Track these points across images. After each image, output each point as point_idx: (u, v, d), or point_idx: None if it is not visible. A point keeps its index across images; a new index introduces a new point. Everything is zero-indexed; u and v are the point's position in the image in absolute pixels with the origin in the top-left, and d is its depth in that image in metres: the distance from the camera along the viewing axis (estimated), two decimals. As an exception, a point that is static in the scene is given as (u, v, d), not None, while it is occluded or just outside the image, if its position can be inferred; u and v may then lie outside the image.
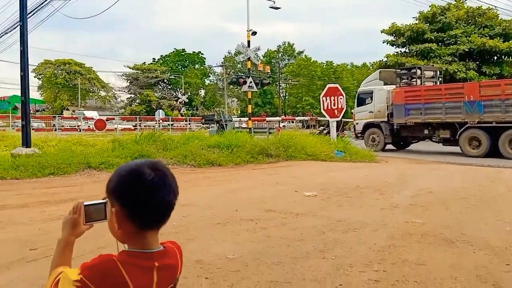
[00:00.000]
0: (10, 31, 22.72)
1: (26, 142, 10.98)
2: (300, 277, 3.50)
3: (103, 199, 1.23)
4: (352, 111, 22.33)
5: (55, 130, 28.57)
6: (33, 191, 7.49)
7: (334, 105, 16.68)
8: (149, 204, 1.13)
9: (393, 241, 4.43)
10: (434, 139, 17.83)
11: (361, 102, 20.08)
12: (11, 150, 11.34)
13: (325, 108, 16.71)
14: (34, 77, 58.38)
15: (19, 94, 11.93)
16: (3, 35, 23.49)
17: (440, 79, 20.35)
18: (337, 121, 23.44)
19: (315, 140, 14.81)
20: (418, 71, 19.10)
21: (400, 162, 14.12)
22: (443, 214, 5.67)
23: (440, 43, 32.96)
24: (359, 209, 6.00)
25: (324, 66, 70.13)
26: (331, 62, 71.30)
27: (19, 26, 11.70)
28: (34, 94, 59.07)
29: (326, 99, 16.74)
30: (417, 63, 28.50)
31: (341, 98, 16.70)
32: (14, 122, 27.73)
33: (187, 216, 5.45)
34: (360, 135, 19.95)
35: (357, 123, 20.28)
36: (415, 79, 18.88)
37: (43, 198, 6.86)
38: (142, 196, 1.12)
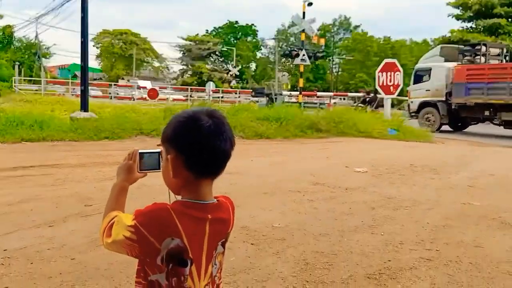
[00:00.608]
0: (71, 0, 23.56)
1: (85, 106, 11.45)
2: (347, 250, 3.42)
3: (158, 149, 1.21)
4: (407, 88, 21.42)
5: (111, 98, 29.70)
6: (89, 152, 7.83)
7: (390, 81, 16.05)
8: (205, 150, 1.10)
9: (448, 221, 4.22)
10: (495, 122, 16.76)
11: (418, 79, 19.13)
12: (70, 113, 11.89)
13: (380, 84, 16.12)
14: (93, 46, 60.58)
15: (79, 63, 12.37)
16: (65, 3, 24.42)
17: (507, 57, 18.96)
18: (371, 97, 22.69)
19: (367, 116, 14.37)
20: (483, 48, 17.87)
21: (457, 143, 13.45)
22: (504, 198, 5.33)
23: (510, 19, 30.64)
24: (412, 187, 5.77)
25: (381, 42, 67.40)
26: (389, 37, 68.33)
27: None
28: (92, 63, 61.49)
29: (382, 75, 16.14)
30: (483, 39, 26.71)
31: (397, 74, 16.03)
32: (73, 89, 29.05)
33: (234, 184, 5.47)
34: (414, 114, 19.11)
35: (411, 102, 19.41)
36: (479, 57, 17.69)
37: (99, 159, 7.14)
38: (198, 142, 1.10)
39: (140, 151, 1.25)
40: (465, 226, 4.09)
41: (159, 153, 1.21)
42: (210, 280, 1.16)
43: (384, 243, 3.60)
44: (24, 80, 32.88)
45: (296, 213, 4.40)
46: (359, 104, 22.46)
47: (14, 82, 29.28)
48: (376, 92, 24.17)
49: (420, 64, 19.83)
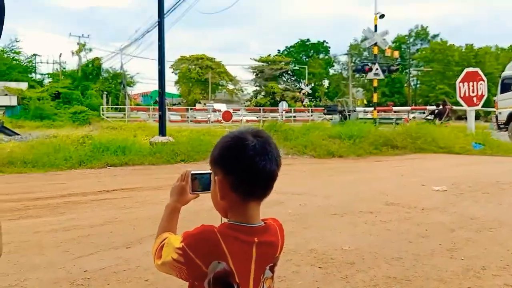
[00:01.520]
0: (151, 30, 25.29)
1: (162, 131, 12.12)
2: (422, 276, 3.21)
3: (209, 170, 1.23)
4: (495, 98, 19.90)
5: (188, 121, 31.09)
6: (166, 175, 8.21)
7: (473, 92, 15.08)
8: (251, 171, 1.10)
9: (539, 244, 3.80)
10: None
11: (506, 88, 17.68)
12: (150, 138, 12.62)
13: (462, 95, 15.19)
14: (172, 72, 64.27)
15: (159, 89, 13.14)
16: (145, 34, 26.25)
17: None
18: (440, 109, 21.28)
19: (448, 131, 13.55)
20: None
21: (554, 156, 12.15)
22: None
23: None
24: (498, 206, 5.29)
25: (463, 50, 63.63)
26: (471, 45, 64.32)
27: (157, 23, 12.90)
28: (171, 88, 65.13)
29: (464, 85, 15.23)
30: None
31: (481, 83, 15.03)
32: (154, 114, 30.89)
33: (304, 205, 5.42)
34: (503, 126, 17.63)
35: (500, 113, 17.95)
36: None
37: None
38: (244, 163, 1.10)
39: (192, 172, 1.28)
40: (561, 250, 3.66)
41: (210, 174, 1.22)
42: None
43: (465, 268, 3.33)
44: (111, 108, 35.64)
45: (367, 235, 4.23)
46: (427, 117, 21.30)
47: (102, 110, 31.82)
48: (444, 103, 22.79)
49: (508, 72, 18.34)
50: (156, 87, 13.04)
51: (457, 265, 3.40)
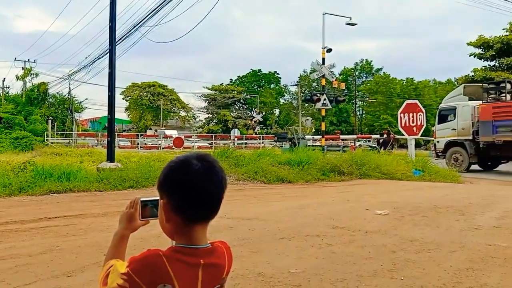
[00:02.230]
0: (102, 57, 24.92)
1: (111, 157, 11.81)
2: (364, 296, 3.32)
3: (158, 197, 1.24)
4: (433, 128, 21.15)
5: (138, 148, 30.47)
6: (113, 202, 7.98)
7: (413, 122, 15.95)
8: (194, 194, 1.11)
9: (472, 264, 4.05)
10: (527, 159, 16.25)
11: (443, 119, 18.91)
12: (97, 164, 12.24)
13: (403, 125, 16.03)
14: (123, 99, 63.29)
15: (109, 115, 12.86)
16: (95, 61, 25.79)
17: (533, 93, 18.58)
18: (384, 138, 22.52)
19: (391, 158, 14.19)
20: (508, 85, 17.58)
21: (487, 183, 13.03)
22: (534, 238, 5.09)
23: (533, 56, 30.38)
24: (436, 229, 5.58)
25: (404, 83, 67.49)
26: (412, 78, 68.47)
27: (108, 51, 12.75)
28: (121, 115, 63.95)
29: (404, 116, 16.09)
30: (508, 77, 26.39)
31: (420, 114, 15.96)
32: (102, 140, 30.06)
33: (252, 230, 5.46)
34: (441, 154, 18.72)
35: (438, 141, 19.09)
36: (504, 94, 17.42)
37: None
38: (187, 186, 1.11)
39: (141, 199, 1.28)
40: (490, 268, 3.92)
41: (159, 200, 1.22)
42: None
43: (404, 287, 3.47)
44: (57, 134, 34.25)
45: (314, 258, 4.32)
46: (372, 146, 22.40)
47: (47, 136, 30.52)
48: (388, 133, 24.02)
49: (444, 104, 19.67)
50: (105, 113, 12.75)
51: (397, 285, 3.54)
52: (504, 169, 17.72)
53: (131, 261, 1.10)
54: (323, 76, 20.53)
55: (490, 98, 17.61)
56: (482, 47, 32.95)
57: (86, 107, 48.54)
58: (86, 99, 68.57)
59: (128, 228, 1.28)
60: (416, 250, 4.57)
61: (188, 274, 1.11)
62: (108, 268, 1.18)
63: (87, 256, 4.33)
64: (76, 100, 41.88)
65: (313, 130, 47.55)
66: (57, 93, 41.01)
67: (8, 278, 3.62)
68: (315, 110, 47.99)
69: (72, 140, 30.53)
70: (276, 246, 4.76)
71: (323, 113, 21.14)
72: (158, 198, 1.22)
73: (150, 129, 56.69)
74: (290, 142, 23.12)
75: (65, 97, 40.19)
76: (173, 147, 24.04)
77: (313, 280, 3.66)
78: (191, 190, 1.11)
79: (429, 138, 27.79)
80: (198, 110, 67.99)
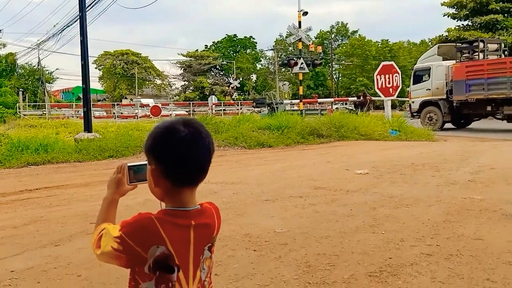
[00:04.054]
0: (71, 25, 23.98)
1: (88, 127, 11.60)
2: (348, 250, 3.45)
3: (145, 161, 1.24)
4: (408, 89, 21.47)
5: (115, 117, 29.96)
6: (94, 172, 7.92)
7: (389, 83, 16.13)
8: (182, 160, 1.13)
9: (448, 216, 4.25)
10: (498, 116, 16.78)
11: (418, 79, 19.21)
12: (74, 135, 12.03)
13: (379, 86, 16.20)
14: (95, 68, 61.43)
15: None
16: (65, 29, 24.81)
17: (506, 52, 18.98)
18: (360, 101, 22.86)
19: (368, 119, 14.41)
20: (481, 44, 17.90)
21: (460, 140, 13.43)
22: (505, 190, 5.34)
23: (506, 14, 30.68)
24: (413, 185, 5.79)
25: (379, 45, 67.63)
26: (387, 40, 68.57)
27: (79, 18, 12.29)
28: (95, 84, 62.28)
29: (381, 78, 16.23)
30: (481, 36, 26.74)
31: (396, 76, 16.12)
32: (77, 111, 29.38)
33: (237, 193, 5.54)
34: (416, 114, 19.14)
35: (413, 102, 19.45)
36: (477, 53, 17.72)
37: (103, 178, 7.21)
38: (175, 152, 1.12)
39: (128, 164, 1.29)
40: (466, 220, 4.12)
41: (146, 165, 1.23)
42: (199, 284, 1.19)
43: (385, 241, 3.63)
44: (29, 105, 33.28)
45: (298, 217, 4.44)
46: (349, 108, 22.71)
47: (19, 108, 29.64)
48: (364, 95, 24.29)
49: (419, 64, 19.90)
50: (78, 83, 12.43)
51: (379, 239, 3.69)
52: (476, 126, 18.26)
53: (124, 225, 1.13)
54: (300, 39, 20.32)
55: (464, 58, 17.91)
56: (455, 6, 33.09)
57: (58, 78, 47.16)
58: (57, 69, 66.69)
59: (116, 193, 1.29)
60: (395, 206, 4.74)
61: (180, 235, 1.14)
62: (100, 231, 1.20)
63: (73, 225, 4.34)
64: (47, 70, 40.57)
65: (291, 94, 47.56)
66: (26, 63, 39.58)
67: (-6, 250, 3.61)
68: (292, 74, 47.83)
69: (46, 111, 29.69)
70: (261, 208, 4.86)
71: (300, 77, 21.09)
72: (145, 162, 1.23)
73: (126, 98, 55.62)
74: (268, 107, 23.12)
75: (35, 67, 38.85)
76: (151, 116, 23.74)
77: (299, 238, 3.78)
78: (179, 157, 1.13)
79: (404, 99, 28.23)
80: (173, 78, 66.83)
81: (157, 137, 1.16)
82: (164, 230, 1.11)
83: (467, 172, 6.60)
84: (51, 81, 43.83)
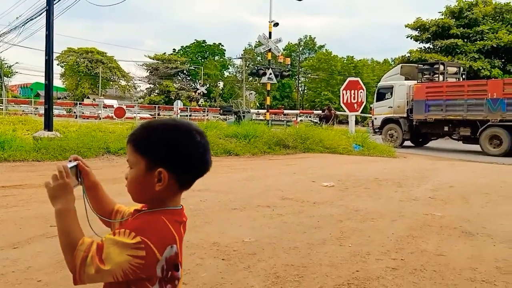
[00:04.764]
0: (35, 17, 23.12)
1: (48, 125, 11.18)
2: (316, 262, 3.48)
3: (73, 161, 1.18)
4: (371, 106, 22.11)
5: (76, 117, 29.04)
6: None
7: (354, 99, 16.55)
8: (201, 168, 1.17)
9: (412, 231, 4.37)
10: (454, 137, 17.55)
11: (381, 97, 19.83)
12: (32, 133, 11.55)
13: (345, 101, 16.58)
14: (57, 64, 59.39)
15: (42, 81, 12.11)
16: (28, 22, 23.89)
17: (464, 75, 19.95)
18: (325, 114, 23.45)
19: (333, 133, 14.71)
20: (441, 67, 18.75)
21: (419, 158, 13.93)
22: (464, 208, 5.57)
23: (466, 39, 32.27)
24: (377, 200, 5.94)
25: (345, 61, 69.38)
26: (352, 57, 70.51)
27: (45, 11, 11.88)
28: (56, 82, 59.81)
29: (346, 93, 16.64)
30: (441, 59, 27.96)
31: (361, 92, 16.57)
32: (36, 108, 28.28)
33: (204, 201, 5.48)
34: (378, 130, 19.74)
35: (375, 118, 20.05)
36: (437, 75, 18.53)
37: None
38: (193, 158, 1.15)
39: (69, 165, 1.17)
40: (428, 236, 4.25)
41: (77, 166, 1.20)
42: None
43: (352, 254, 3.69)
44: (-17, 99, 31.74)
45: (266, 227, 4.44)
46: (314, 120, 23.19)
47: (-28, 102, 28.23)
48: (329, 109, 24.85)
49: (382, 82, 20.56)
50: (37, 79, 12.01)
51: (346, 252, 3.75)
52: (434, 145, 18.99)
53: (139, 229, 1.06)
54: (270, 50, 20.53)
55: (424, 79, 18.67)
56: (418, 29, 34.48)
57: (16, 72, 45.26)
58: (16, 63, 64.04)
59: (70, 200, 1.12)
60: (361, 219, 4.84)
61: (180, 232, 1.16)
62: (87, 247, 1.05)
63: (32, 227, 4.15)
64: (5, 64, 38.86)
65: (257, 104, 47.82)
66: (-17, 55, 37.78)
67: None
68: (259, 84, 48.14)
69: (3, 106, 28.38)
70: (229, 217, 4.83)
71: (268, 87, 21.27)
72: (75, 163, 1.20)
73: (88, 97, 54.09)
74: (235, 116, 23.12)
75: (-7, 60, 37.18)
76: (114, 117, 23.19)
77: (267, 249, 3.78)
78: (196, 163, 1.15)
79: (367, 115, 29.01)
80: (139, 80, 65.66)
81: (175, 142, 1.13)
82: (174, 229, 1.13)
83: (428, 189, 6.84)
84: (9, 75, 42.06)
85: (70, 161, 1.18)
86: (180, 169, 1.13)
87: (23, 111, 28.00)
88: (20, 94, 57.05)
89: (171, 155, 1.13)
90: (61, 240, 1.09)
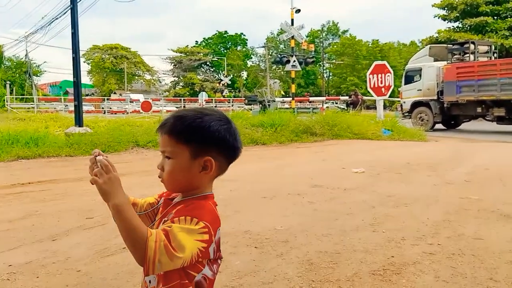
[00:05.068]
0: (60, 17, 23.62)
1: (79, 121, 11.45)
2: (350, 248, 3.44)
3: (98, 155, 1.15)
4: (399, 89, 21.62)
5: (104, 112, 29.63)
6: (86, 166, 7.68)
7: (381, 83, 16.20)
8: (237, 151, 1.23)
9: (448, 216, 4.26)
10: (487, 118, 16.98)
11: (409, 80, 19.35)
12: (64, 129, 11.86)
13: (372, 86, 16.26)
14: (84, 62, 60.61)
15: (70, 79, 12.37)
16: (53, 21, 24.44)
17: (495, 54, 19.22)
18: (352, 100, 22.98)
19: (361, 119, 14.48)
20: (472, 46, 18.09)
21: (452, 141, 13.56)
22: (501, 191, 5.39)
23: (496, 17, 31.06)
24: (410, 185, 5.81)
25: (370, 45, 68.01)
26: (377, 40, 69.03)
27: (70, 9, 12.10)
28: (83, 78, 60.85)
29: (373, 77, 16.29)
30: (471, 38, 27.01)
31: (388, 75, 16.19)
32: (66, 105, 28.99)
33: (234, 191, 5.49)
34: (407, 114, 19.29)
35: (404, 102, 19.60)
36: (468, 55, 17.90)
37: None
38: (236, 145, 1.21)
39: (103, 157, 1.13)
40: (465, 220, 4.14)
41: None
42: None
43: (387, 240, 3.62)
44: (16, 98, 32.75)
45: (297, 215, 4.42)
46: (340, 107, 22.83)
47: (6, 101, 29.15)
48: (356, 94, 24.41)
49: (411, 65, 20.04)
50: (65, 77, 12.27)
51: (380, 238, 3.68)
52: (467, 128, 18.45)
53: (198, 215, 1.09)
54: (292, 37, 20.31)
55: (454, 59, 18.08)
56: (446, 8, 33.40)
57: (45, 71, 46.48)
58: (44, 62, 65.76)
59: (122, 192, 1.08)
60: (394, 205, 4.75)
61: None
62: (157, 237, 1.04)
63: (69, 220, 4.26)
64: (34, 63, 39.95)
65: (282, 92, 47.59)
66: (13, 56, 38.93)
67: (-10, 244, 3.53)
68: (283, 72, 47.87)
69: (34, 105, 29.24)
70: (259, 206, 4.83)
71: (293, 75, 21.09)
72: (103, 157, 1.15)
73: (115, 93, 55.01)
74: (260, 105, 23.08)
75: (23, 60, 38.22)
76: (141, 111, 23.55)
77: (299, 236, 3.76)
78: (237, 150, 1.23)
79: (395, 99, 28.42)
80: (163, 73, 66.42)
81: (223, 130, 1.18)
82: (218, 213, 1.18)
83: (462, 172, 6.65)
84: (38, 74, 43.22)
85: (95, 156, 1.15)
86: (222, 155, 1.18)
87: (54, 108, 28.75)
88: (49, 92, 58.51)
89: (216, 142, 1.17)
90: (126, 234, 1.04)
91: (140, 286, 1.24)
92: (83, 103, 12.47)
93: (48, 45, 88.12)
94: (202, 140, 1.15)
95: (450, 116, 18.13)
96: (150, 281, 1.16)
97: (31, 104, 29.92)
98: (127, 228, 1.03)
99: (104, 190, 1.06)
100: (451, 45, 19.34)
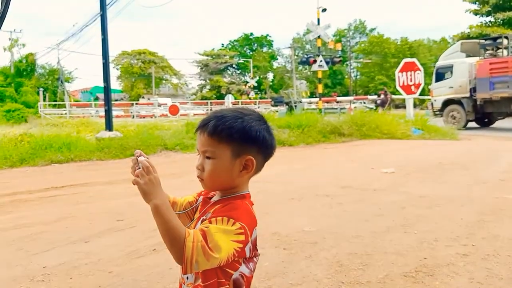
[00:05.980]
0: (90, 24, 24.26)
1: (109, 126, 11.71)
2: (381, 250, 3.37)
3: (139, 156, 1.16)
4: (430, 87, 21.11)
5: (133, 117, 30.23)
6: (116, 170, 7.97)
7: (411, 81, 15.87)
8: (272, 151, 1.26)
9: (482, 216, 4.12)
10: (522, 115, 16.37)
11: (440, 77, 18.86)
12: (95, 134, 12.16)
13: (401, 84, 15.95)
14: (113, 67, 62.03)
15: (100, 85, 12.69)
16: (84, 28, 25.13)
17: (530, 48, 18.49)
18: (381, 99, 22.48)
19: (390, 118, 14.21)
20: (505, 41, 17.46)
21: (486, 139, 13.13)
22: (539, 190, 5.17)
23: (529, 10, 29.97)
24: (443, 185, 5.65)
25: (399, 43, 66.72)
26: (406, 38, 67.60)
27: (99, 16, 12.40)
28: (113, 84, 62.63)
29: (402, 75, 15.98)
30: (503, 32, 26.11)
31: (418, 73, 15.84)
32: (96, 111, 29.72)
33: (261, 192, 5.48)
34: (438, 112, 18.80)
35: (435, 100, 19.11)
36: (501, 50, 17.30)
37: (126, 176, 7.20)
38: (273, 143, 1.25)
39: (145, 158, 1.15)
40: (500, 220, 3.99)
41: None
42: None
43: (419, 241, 3.53)
44: (49, 105, 33.83)
45: (326, 216, 4.37)
46: (368, 106, 22.43)
47: (40, 108, 30.16)
48: (385, 93, 23.94)
49: (441, 62, 19.53)
50: (96, 83, 12.59)
51: (412, 239, 3.60)
52: (501, 125, 17.83)
53: (237, 216, 1.12)
54: (319, 37, 20.19)
55: (487, 55, 17.51)
56: (477, 2, 32.47)
57: (76, 77, 47.85)
58: (76, 68, 67.59)
59: (163, 193, 1.11)
60: (426, 205, 4.63)
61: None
62: (195, 238, 1.06)
63: (100, 222, 4.35)
64: (66, 70, 41.17)
65: (308, 93, 47.33)
66: (46, 63, 40.23)
67: (25, 246, 3.64)
68: (309, 72, 47.59)
69: (66, 111, 30.16)
70: (287, 207, 4.80)
71: (319, 75, 20.95)
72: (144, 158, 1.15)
73: (143, 97, 56.05)
74: (287, 106, 23.03)
75: (54, 67, 39.46)
76: (169, 115, 23.91)
77: (328, 238, 3.71)
78: (273, 149, 1.26)
79: (425, 97, 27.78)
80: (190, 77, 67.22)
81: (263, 129, 1.21)
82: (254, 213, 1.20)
83: (497, 171, 6.43)
84: (70, 81, 44.52)
85: (137, 156, 1.17)
86: (261, 154, 1.22)
87: (89, 113, 29.52)
88: (81, 98, 60.18)
89: (258, 142, 1.20)
90: (165, 234, 1.06)
91: (178, 283, 1.28)
92: (112, 108, 12.74)
93: (80, 52, 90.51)
94: (244, 140, 1.17)
95: (483, 114, 17.56)
96: (187, 278, 1.20)
97: (63, 110, 30.85)
98: (166, 228, 1.06)
99: (145, 190, 1.08)
100: (484, 40, 18.74)
